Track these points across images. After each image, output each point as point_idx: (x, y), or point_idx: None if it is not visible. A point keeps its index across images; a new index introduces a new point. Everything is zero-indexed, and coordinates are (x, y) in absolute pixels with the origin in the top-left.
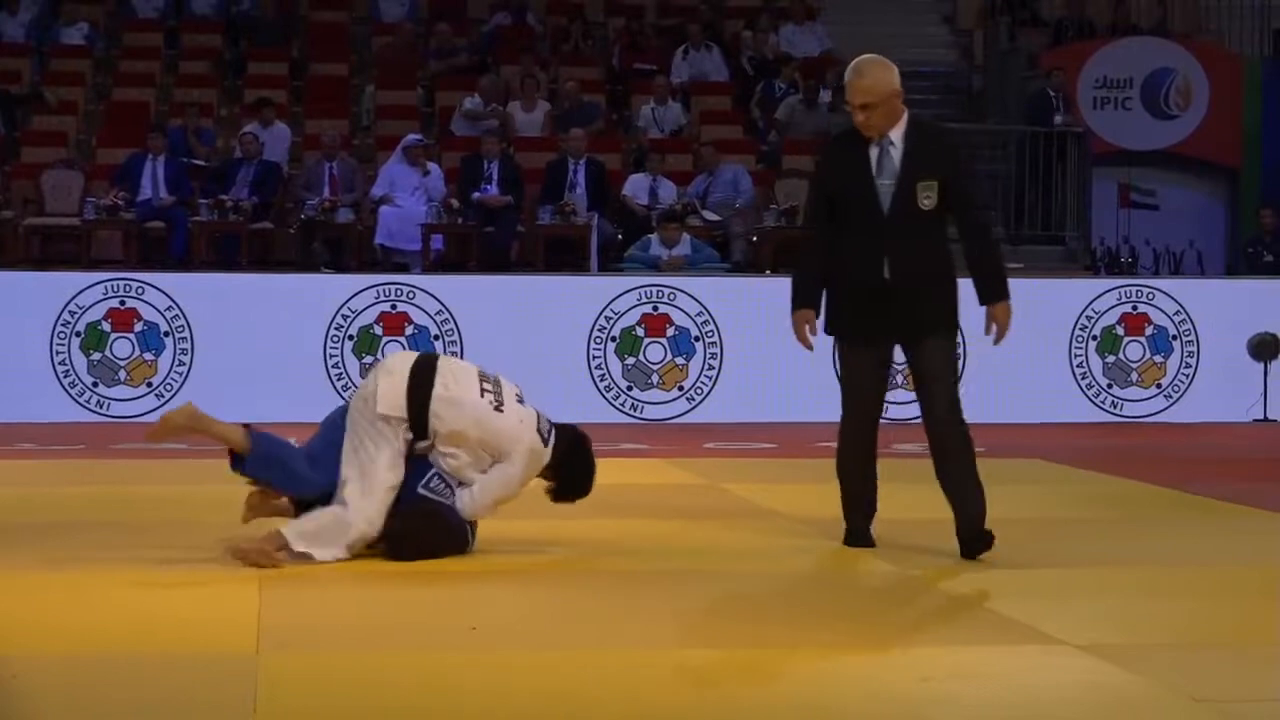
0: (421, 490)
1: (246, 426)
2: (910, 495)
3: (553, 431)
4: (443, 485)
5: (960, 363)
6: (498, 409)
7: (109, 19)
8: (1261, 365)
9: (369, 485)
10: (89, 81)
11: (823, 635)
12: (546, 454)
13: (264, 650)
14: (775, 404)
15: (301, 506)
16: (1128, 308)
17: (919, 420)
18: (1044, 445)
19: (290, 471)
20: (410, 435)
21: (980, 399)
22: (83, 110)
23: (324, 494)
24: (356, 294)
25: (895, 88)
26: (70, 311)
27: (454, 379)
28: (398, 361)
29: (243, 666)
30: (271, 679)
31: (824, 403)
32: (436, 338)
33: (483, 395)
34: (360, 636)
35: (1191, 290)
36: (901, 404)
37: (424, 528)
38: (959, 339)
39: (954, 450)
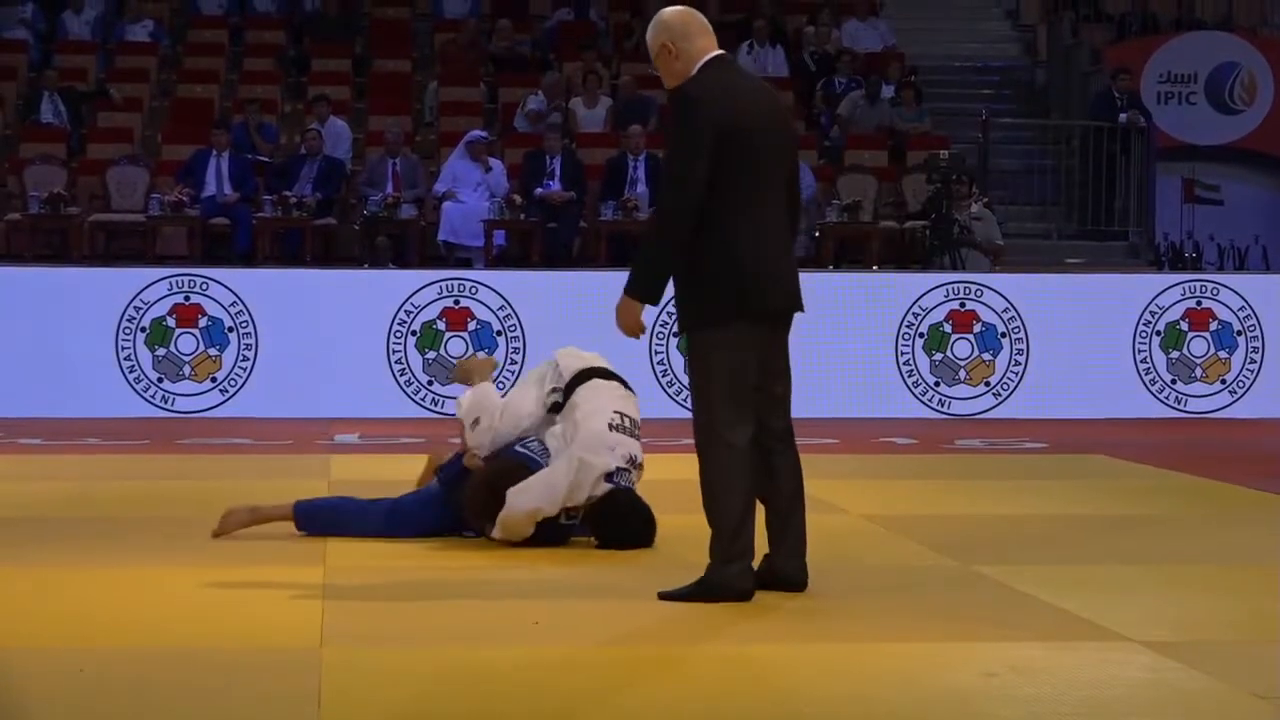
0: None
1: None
2: (960, 491)
3: (617, 479)
4: (540, 447)
5: (720, 370)
6: (610, 426)
7: (174, 16)
8: None
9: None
10: (154, 78)
11: (883, 630)
12: (592, 481)
13: (328, 644)
14: (837, 399)
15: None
16: (1192, 303)
17: (981, 415)
18: (1107, 440)
19: (340, 523)
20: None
21: (1043, 394)
22: (147, 107)
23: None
24: (419, 290)
25: (662, 42)
26: (135, 307)
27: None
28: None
29: (307, 660)
30: (335, 673)
31: (886, 398)
32: (499, 333)
33: (611, 428)
34: (422, 632)
35: (1256, 286)
36: (964, 399)
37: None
38: (709, 341)
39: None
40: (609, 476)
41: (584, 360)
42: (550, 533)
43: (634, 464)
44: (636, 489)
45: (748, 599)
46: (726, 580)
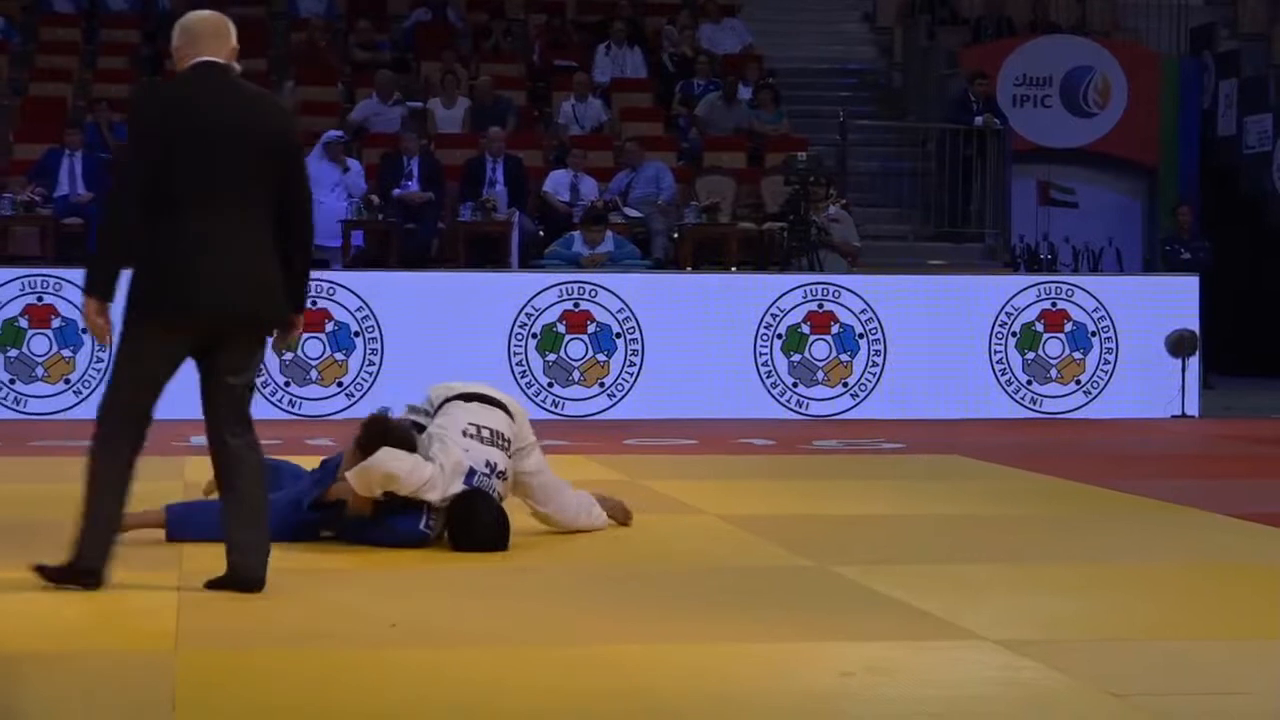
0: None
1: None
2: (817, 492)
3: (468, 482)
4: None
5: (123, 365)
6: (464, 434)
7: (25, 14)
8: (1179, 361)
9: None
10: (5, 76)
11: (740, 629)
12: (448, 477)
13: (182, 647)
14: (696, 401)
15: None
16: (1047, 304)
17: (839, 416)
18: (964, 441)
19: (210, 525)
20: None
21: (901, 395)
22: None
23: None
24: None
25: (174, 45)
26: None
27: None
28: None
29: (161, 664)
30: (190, 676)
31: (745, 400)
32: (356, 334)
33: (464, 434)
34: (278, 634)
35: (1110, 287)
36: (822, 400)
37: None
38: (124, 334)
39: None
40: (466, 477)
41: (453, 389)
42: (403, 535)
43: (494, 470)
44: (496, 494)
45: (96, 583)
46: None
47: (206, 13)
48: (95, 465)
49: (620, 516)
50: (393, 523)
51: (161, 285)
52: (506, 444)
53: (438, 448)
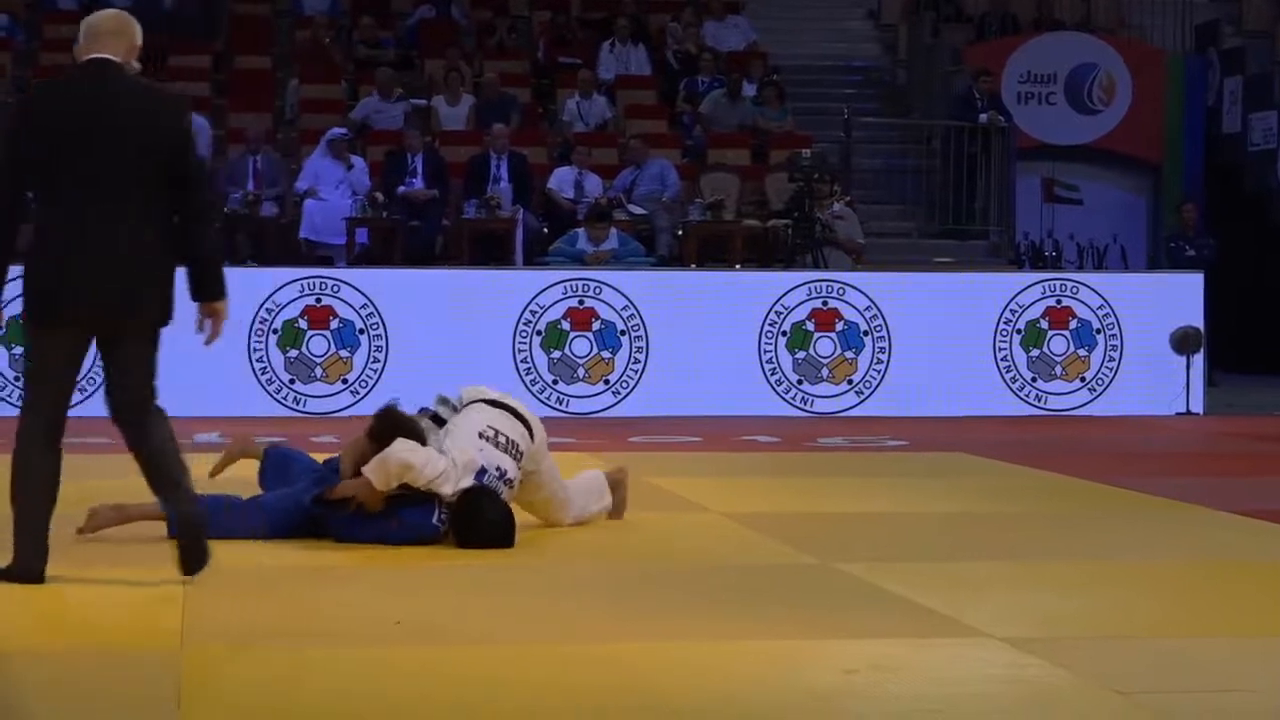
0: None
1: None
2: (821, 489)
3: (477, 480)
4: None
5: (30, 363)
6: (480, 435)
7: (28, 11)
8: (1184, 359)
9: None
10: (9, 73)
11: (743, 627)
12: (452, 479)
13: (188, 645)
14: (701, 398)
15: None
16: (1052, 301)
17: (844, 413)
18: (967, 438)
19: (233, 526)
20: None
21: (905, 392)
22: (1, 104)
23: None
24: (281, 288)
25: (77, 41)
26: None
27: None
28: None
29: (167, 662)
30: (196, 675)
31: (749, 397)
32: (361, 332)
33: (480, 435)
34: (284, 631)
35: (1115, 284)
36: (827, 398)
37: None
38: (27, 336)
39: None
40: (477, 475)
41: (484, 394)
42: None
43: (503, 477)
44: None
45: (37, 581)
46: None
47: (110, 11)
48: (17, 464)
49: (616, 513)
50: (405, 515)
51: (41, 282)
52: (519, 455)
53: (450, 442)
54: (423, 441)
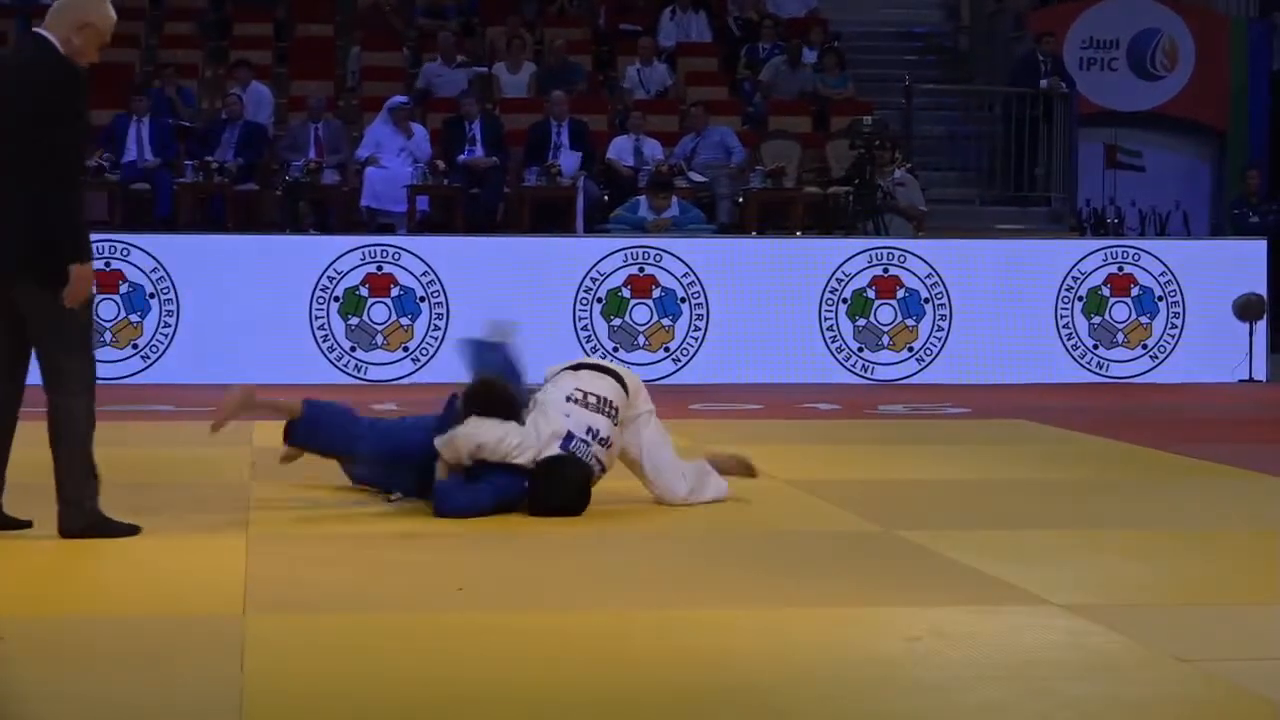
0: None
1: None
2: (883, 456)
3: (564, 447)
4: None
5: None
6: (567, 398)
7: None
8: (1246, 326)
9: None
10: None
11: (807, 594)
12: (544, 440)
13: (251, 612)
14: (761, 365)
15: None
16: (1113, 268)
17: (905, 380)
18: (1029, 405)
19: (339, 433)
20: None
21: (966, 360)
22: None
23: (370, 458)
24: (342, 255)
25: None
26: None
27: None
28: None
29: (229, 628)
30: (259, 641)
31: (810, 364)
32: (422, 299)
33: (568, 399)
34: (346, 598)
35: (1177, 251)
36: (888, 365)
37: None
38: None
39: None
40: (564, 441)
41: (568, 363)
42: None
43: (595, 436)
44: (595, 460)
45: None
46: None
47: None
48: None
49: (743, 471)
50: (493, 476)
51: None
52: (614, 411)
53: (537, 413)
54: (513, 413)
